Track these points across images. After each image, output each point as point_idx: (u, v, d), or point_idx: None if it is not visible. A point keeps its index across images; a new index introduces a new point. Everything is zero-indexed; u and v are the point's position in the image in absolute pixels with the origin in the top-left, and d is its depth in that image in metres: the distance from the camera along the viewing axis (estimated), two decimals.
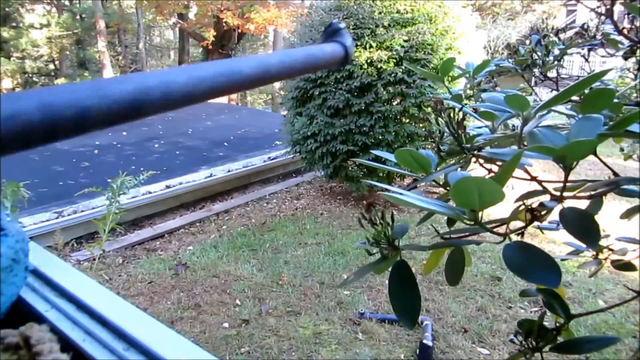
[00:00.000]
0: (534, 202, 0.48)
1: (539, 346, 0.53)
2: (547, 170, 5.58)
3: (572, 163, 0.43)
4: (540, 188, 0.49)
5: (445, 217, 0.50)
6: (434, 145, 0.64)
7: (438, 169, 0.57)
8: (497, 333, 2.91)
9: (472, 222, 0.43)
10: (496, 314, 3.12)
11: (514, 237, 0.48)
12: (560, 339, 0.53)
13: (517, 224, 0.54)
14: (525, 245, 0.42)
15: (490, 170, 0.55)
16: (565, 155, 0.42)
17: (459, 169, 0.56)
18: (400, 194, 0.43)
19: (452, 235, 0.48)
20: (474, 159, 0.58)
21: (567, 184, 0.46)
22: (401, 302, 0.47)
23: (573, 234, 0.43)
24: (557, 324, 0.53)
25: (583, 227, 0.43)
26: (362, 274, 0.48)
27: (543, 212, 0.45)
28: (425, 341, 2.72)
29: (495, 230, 0.45)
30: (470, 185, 0.38)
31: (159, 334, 0.51)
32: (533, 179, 0.49)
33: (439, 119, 0.62)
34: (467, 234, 0.48)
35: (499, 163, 0.53)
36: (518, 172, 0.50)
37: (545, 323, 0.56)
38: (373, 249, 0.49)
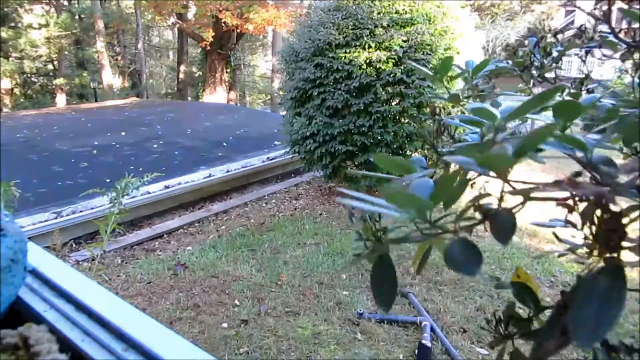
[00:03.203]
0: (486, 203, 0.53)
1: (511, 334, 0.59)
2: (544, 170, 5.60)
3: (503, 172, 0.48)
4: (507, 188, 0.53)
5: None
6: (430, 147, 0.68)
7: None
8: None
9: (423, 222, 0.48)
10: (495, 314, 3.12)
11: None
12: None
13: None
14: (464, 241, 0.47)
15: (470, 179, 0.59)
16: (488, 165, 0.47)
17: (436, 172, 0.61)
18: (351, 196, 0.49)
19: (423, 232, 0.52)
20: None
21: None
22: (379, 287, 0.53)
23: (493, 233, 0.47)
24: (530, 315, 0.58)
25: (502, 227, 0.47)
26: (357, 262, 0.55)
27: (492, 211, 0.50)
28: (424, 341, 2.72)
29: (447, 228, 0.50)
30: (402, 198, 0.46)
31: (157, 335, 0.51)
32: (506, 181, 0.52)
33: (428, 125, 0.69)
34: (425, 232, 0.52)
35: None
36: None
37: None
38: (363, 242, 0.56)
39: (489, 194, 0.53)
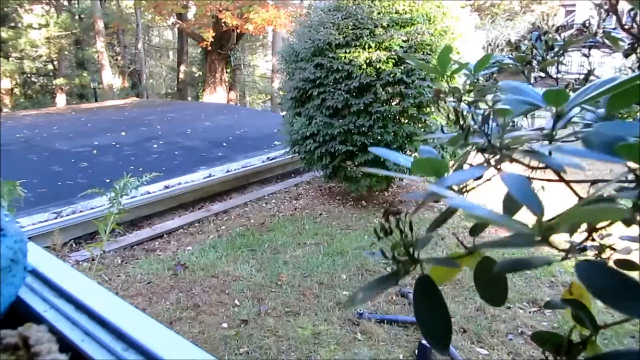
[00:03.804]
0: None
1: None
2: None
3: None
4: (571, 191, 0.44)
5: (467, 223, 0.47)
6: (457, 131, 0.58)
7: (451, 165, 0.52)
8: (496, 333, 2.91)
9: (538, 237, 0.37)
10: (495, 314, 3.12)
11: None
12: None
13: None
14: (603, 266, 0.37)
15: (528, 166, 0.50)
16: None
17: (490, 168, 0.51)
18: (466, 205, 0.38)
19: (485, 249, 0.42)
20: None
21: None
22: (431, 324, 0.42)
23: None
24: (583, 337, 0.49)
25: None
26: (373, 291, 0.43)
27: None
28: (423, 341, 2.72)
29: (559, 247, 0.39)
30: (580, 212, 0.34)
31: (157, 335, 0.51)
32: (565, 181, 0.45)
33: (442, 109, 0.60)
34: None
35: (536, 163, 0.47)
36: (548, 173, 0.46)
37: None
38: (388, 261, 0.44)
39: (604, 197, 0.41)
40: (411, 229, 0.43)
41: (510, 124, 0.57)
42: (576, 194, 0.44)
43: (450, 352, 2.70)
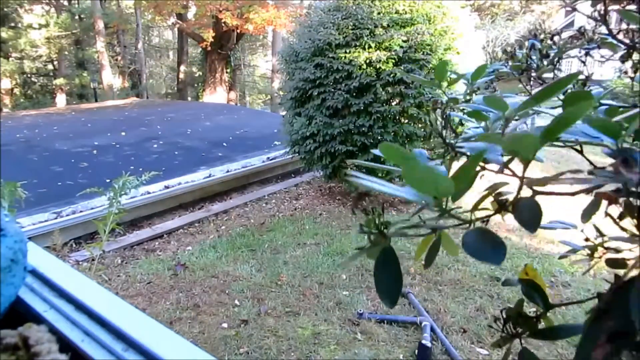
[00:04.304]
0: (502, 192, 0.53)
1: (518, 332, 0.58)
2: (544, 170, 5.62)
3: (527, 157, 0.47)
4: (513, 178, 0.53)
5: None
6: (432, 143, 0.69)
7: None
8: (496, 333, 2.91)
9: (438, 209, 0.48)
10: (495, 314, 3.12)
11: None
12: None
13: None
14: (482, 230, 0.47)
15: (483, 167, 0.57)
16: (514, 149, 0.46)
17: (442, 164, 0.62)
18: (359, 177, 0.49)
19: (426, 222, 0.52)
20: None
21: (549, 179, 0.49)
22: (383, 282, 0.51)
23: (519, 220, 0.47)
24: (538, 313, 0.57)
25: (528, 214, 0.47)
26: (356, 257, 0.53)
27: (508, 202, 0.50)
28: (424, 341, 2.72)
29: (462, 218, 0.50)
30: (425, 175, 0.44)
31: (157, 335, 0.51)
32: (512, 172, 0.52)
33: (434, 117, 0.68)
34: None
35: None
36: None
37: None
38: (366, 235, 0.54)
39: (506, 183, 0.51)
40: (383, 210, 0.53)
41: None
42: (521, 181, 0.51)
43: (450, 352, 2.70)
